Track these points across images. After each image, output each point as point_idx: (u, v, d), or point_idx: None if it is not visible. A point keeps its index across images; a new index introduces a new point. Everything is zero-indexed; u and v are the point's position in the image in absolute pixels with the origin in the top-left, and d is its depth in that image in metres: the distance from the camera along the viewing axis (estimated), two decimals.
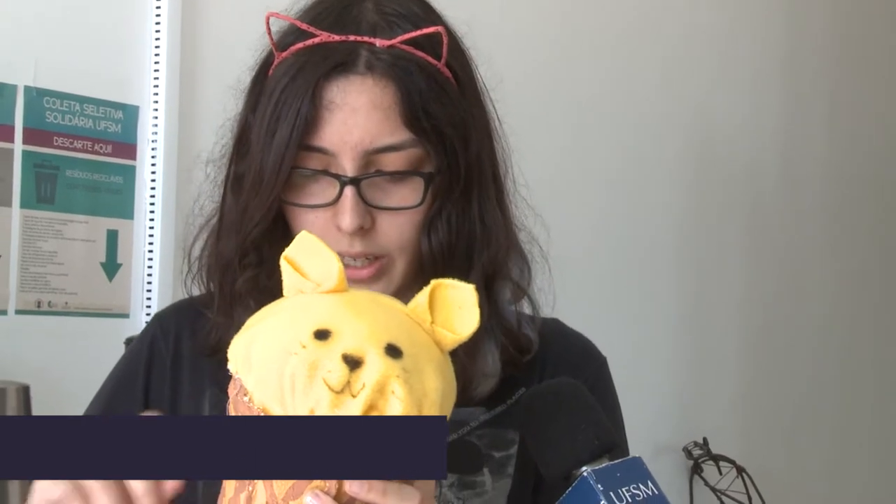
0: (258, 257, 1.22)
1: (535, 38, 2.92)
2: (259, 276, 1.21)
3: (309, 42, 1.19)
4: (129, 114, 2.17)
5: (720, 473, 3.27)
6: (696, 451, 3.28)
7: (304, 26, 1.19)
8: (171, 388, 1.30)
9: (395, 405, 0.91)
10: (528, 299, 1.30)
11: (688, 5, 3.34)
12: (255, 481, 0.93)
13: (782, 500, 3.44)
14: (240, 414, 0.94)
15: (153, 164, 2.18)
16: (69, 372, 2.04)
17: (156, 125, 2.18)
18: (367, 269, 1.19)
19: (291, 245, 1.00)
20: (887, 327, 3.98)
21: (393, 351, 0.92)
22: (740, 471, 3.26)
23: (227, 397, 0.97)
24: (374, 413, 0.91)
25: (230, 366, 0.97)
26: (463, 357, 1.14)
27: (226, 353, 0.98)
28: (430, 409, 0.93)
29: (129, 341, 1.93)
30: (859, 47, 3.99)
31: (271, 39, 1.21)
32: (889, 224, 4.09)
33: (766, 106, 3.64)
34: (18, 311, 2.04)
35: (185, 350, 1.31)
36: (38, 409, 1.80)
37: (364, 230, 1.18)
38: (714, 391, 3.46)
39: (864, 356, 3.88)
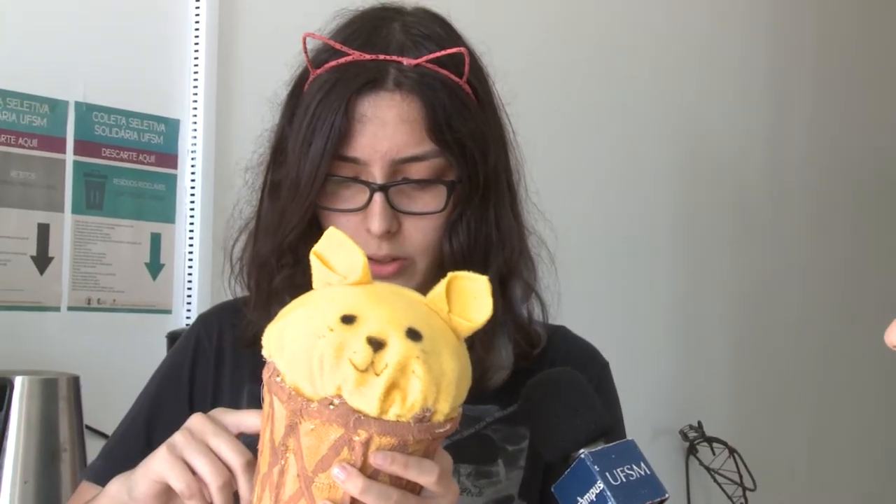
0: (294, 257, 1.22)
1: (545, 55, 2.90)
2: (295, 274, 1.21)
3: (342, 60, 1.19)
4: (171, 127, 2.18)
5: (713, 454, 3.26)
6: (692, 434, 3.27)
7: (338, 45, 1.19)
8: (213, 383, 1.31)
9: (416, 384, 0.91)
10: (537, 296, 1.30)
11: (688, 21, 3.33)
12: (287, 455, 0.93)
13: (770, 477, 3.42)
14: (273, 394, 0.94)
15: (192, 173, 2.18)
16: (116, 363, 2.05)
17: (195, 137, 2.18)
18: (390, 265, 1.19)
19: (320, 241, 1.00)
20: (866, 316, 3.94)
21: (413, 334, 0.92)
22: (732, 451, 3.24)
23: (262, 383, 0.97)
24: (397, 391, 0.91)
25: (264, 351, 0.97)
26: (479, 350, 1.15)
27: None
28: (448, 388, 0.93)
29: (171, 335, 1.95)
30: (840, 53, 3.94)
31: (307, 57, 1.21)
32: (866, 218, 4.06)
33: (752, 108, 3.60)
34: (70, 308, 2.04)
35: (227, 346, 1.31)
36: (87, 398, 1.80)
37: (391, 233, 1.18)
38: (708, 379, 3.45)
39: (844, 345, 3.86)
